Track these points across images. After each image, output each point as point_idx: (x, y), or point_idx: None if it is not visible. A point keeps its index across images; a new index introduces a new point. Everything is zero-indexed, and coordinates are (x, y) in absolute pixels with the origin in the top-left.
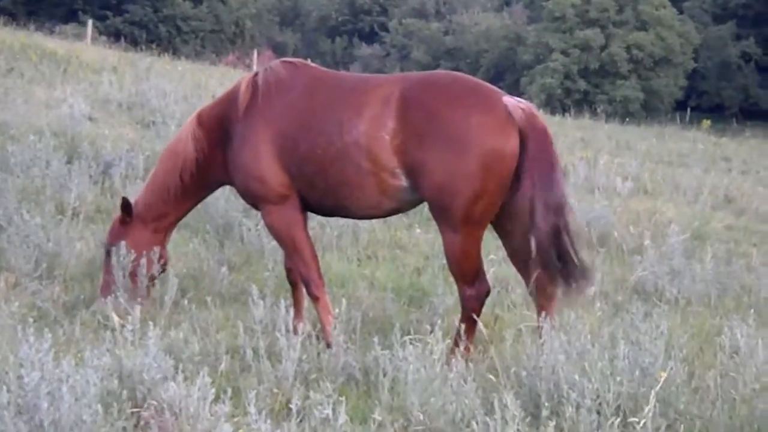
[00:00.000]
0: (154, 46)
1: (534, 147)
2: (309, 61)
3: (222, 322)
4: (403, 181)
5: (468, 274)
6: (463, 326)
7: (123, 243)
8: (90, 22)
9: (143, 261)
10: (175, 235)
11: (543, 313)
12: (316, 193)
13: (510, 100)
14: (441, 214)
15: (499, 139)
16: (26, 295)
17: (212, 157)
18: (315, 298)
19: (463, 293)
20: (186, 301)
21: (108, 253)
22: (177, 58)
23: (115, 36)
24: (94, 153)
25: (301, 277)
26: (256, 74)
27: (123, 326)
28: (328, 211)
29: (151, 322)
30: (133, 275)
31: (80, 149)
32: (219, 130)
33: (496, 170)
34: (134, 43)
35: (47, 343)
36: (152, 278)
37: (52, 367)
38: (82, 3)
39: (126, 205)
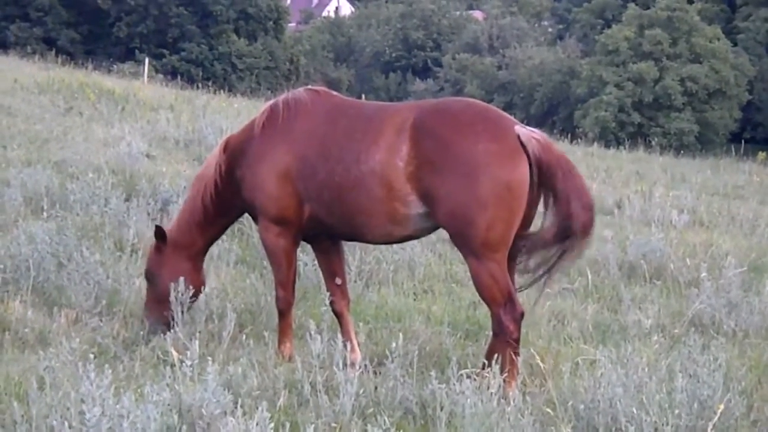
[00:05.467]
0: (210, 83)
1: (559, 173)
2: (364, 96)
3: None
4: (415, 210)
5: (498, 298)
6: (507, 352)
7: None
8: (147, 60)
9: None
10: (232, 270)
11: None
12: (332, 219)
13: (522, 130)
14: (459, 242)
15: (507, 167)
16: (86, 331)
17: (231, 181)
18: (280, 312)
19: (497, 317)
20: (244, 337)
21: (149, 281)
22: (233, 96)
23: (172, 74)
24: (152, 190)
25: (275, 289)
26: (278, 99)
27: (182, 362)
28: (344, 236)
29: (209, 358)
30: (167, 301)
31: (138, 186)
32: (238, 154)
33: (506, 198)
34: (190, 80)
35: (107, 379)
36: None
37: (113, 403)
38: (138, 41)
39: (160, 233)
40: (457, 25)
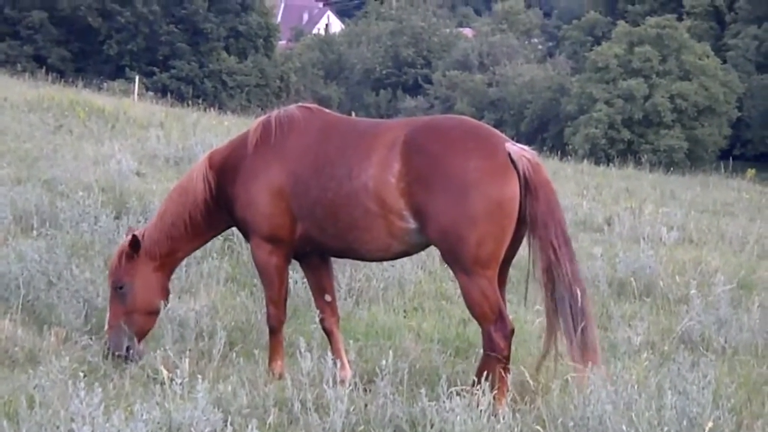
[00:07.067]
0: (200, 101)
1: (542, 197)
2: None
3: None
4: (411, 224)
5: (488, 314)
6: (497, 369)
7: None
8: (137, 78)
9: (149, 297)
10: (222, 288)
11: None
12: (326, 236)
13: (513, 147)
14: (450, 258)
15: (497, 184)
16: (76, 349)
17: (220, 197)
18: (271, 330)
19: (488, 334)
20: (234, 354)
21: (115, 289)
22: (223, 113)
23: (162, 91)
24: (142, 208)
25: (266, 307)
26: (270, 116)
27: (172, 380)
28: (337, 253)
29: (199, 376)
30: (137, 311)
31: (128, 204)
32: (228, 171)
33: (496, 215)
34: (181, 98)
35: (98, 398)
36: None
37: (103, 421)
38: (129, 59)
39: (135, 243)
40: (447, 42)
